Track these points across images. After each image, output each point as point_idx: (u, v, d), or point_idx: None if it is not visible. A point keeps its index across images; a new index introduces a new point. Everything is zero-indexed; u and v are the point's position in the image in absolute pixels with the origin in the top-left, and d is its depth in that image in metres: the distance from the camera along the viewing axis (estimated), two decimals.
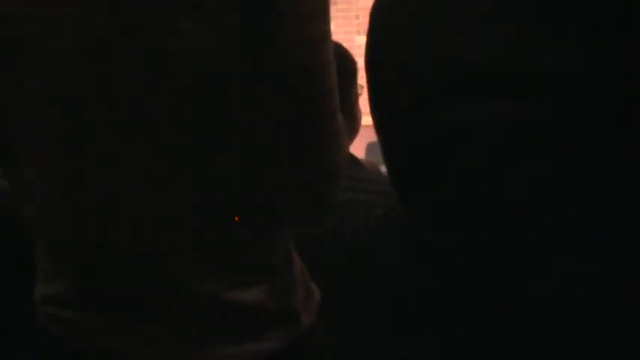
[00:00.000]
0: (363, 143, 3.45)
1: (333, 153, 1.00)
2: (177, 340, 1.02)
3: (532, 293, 0.81)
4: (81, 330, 1.04)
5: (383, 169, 1.67)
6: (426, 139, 0.88)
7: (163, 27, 0.90)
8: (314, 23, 0.95)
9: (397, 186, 1.02)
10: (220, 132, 0.96)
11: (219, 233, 1.00)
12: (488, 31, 0.81)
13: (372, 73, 1.00)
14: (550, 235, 0.80)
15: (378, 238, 1.51)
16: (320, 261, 1.51)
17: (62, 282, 1.05)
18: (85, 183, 0.98)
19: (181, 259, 1.00)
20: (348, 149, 1.68)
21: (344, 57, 1.67)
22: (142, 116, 0.94)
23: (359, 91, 1.76)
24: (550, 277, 0.81)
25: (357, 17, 5.40)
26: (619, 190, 0.76)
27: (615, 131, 0.75)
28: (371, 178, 1.65)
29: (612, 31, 0.74)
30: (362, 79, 1.19)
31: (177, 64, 0.91)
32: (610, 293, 0.78)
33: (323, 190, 1.03)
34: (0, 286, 1.30)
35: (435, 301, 0.96)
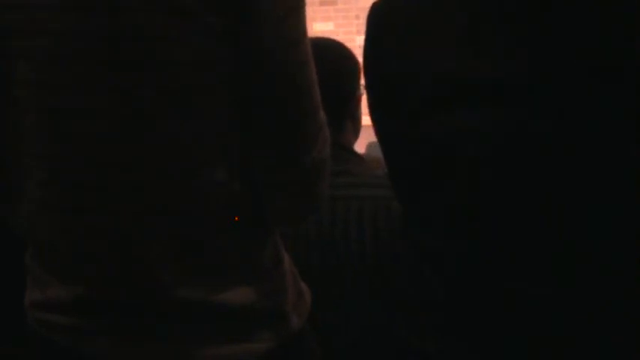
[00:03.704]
0: (363, 143, 3.45)
1: (317, 150, 1.00)
2: (170, 341, 1.02)
3: (532, 293, 0.81)
4: (73, 334, 1.04)
5: None
6: (425, 144, 0.88)
7: (151, 31, 0.90)
8: (291, 23, 0.95)
9: (397, 187, 1.02)
10: (208, 134, 0.96)
11: (209, 236, 1.00)
12: (488, 42, 0.81)
13: (370, 83, 1.01)
14: (550, 235, 0.80)
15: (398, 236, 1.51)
16: (340, 260, 1.52)
17: (54, 288, 1.05)
18: (82, 193, 0.98)
19: (172, 263, 1.00)
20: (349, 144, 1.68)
21: (347, 58, 1.66)
22: (130, 126, 0.94)
23: (361, 91, 1.76)
24: (550, 277, 0.81)
25: (357, 17, 5.40)
26: (619, 192, 0.76)
27: (614, 135, 0.75)
28: (382, 174, 1.65)
29: (608, 37, 0.74)
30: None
31: (165, 68, 0.92)
32: (610, 294, 0.78)
33: (309, 188, 1.03)
34: None
35: (433, 301, 0.96)
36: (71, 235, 1.02)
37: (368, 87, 1.01)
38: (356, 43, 4.84)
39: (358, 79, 1.69)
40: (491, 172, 0.82)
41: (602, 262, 0.78)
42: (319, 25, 5.28)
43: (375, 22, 0.97)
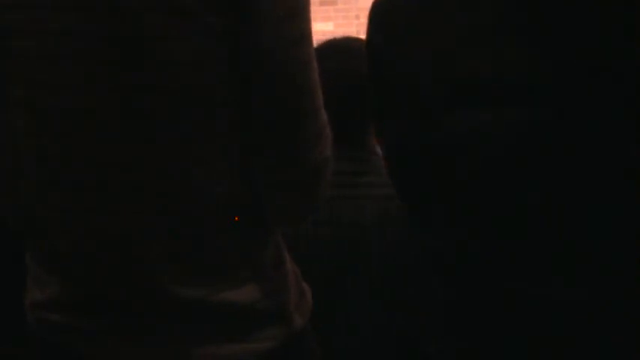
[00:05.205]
0: None
1: (318, 151, 1.00)
2: (170, 341, 1.02)
3: (532, 293, 0.81)
4: (73, 334, 1.04)
5: None
6: (425, 144, 0.88)
7: (151, 31, 0.90)
8: (293, 23, 0.95)
9: (398, 187, 1.02)
10: (208, 134, 0.96)
11: (209, 236, 1.00)
12: (488, 42, 0.81)
13: (374, 83, 1.01)
14: (550, 235, 0.80)
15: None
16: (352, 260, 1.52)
17: (54, 288, 1.05)
18: (82, 193, 0.98)
19: (173, 263, 1.00)
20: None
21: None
22: (130, 126, 0.94)
23: None
24: (549, 277, 0.81)
25: (357, 17, 5.40)
26: (619, 192, 0.76)
27: (614, 135, 0.75)
28: None
29: (608, 37, 0.74)
30: None
31: (165, 68, 0.92)
32: (610, 294, 0.78)
33: (309, 188, 1.03)
34: None
35: (433, 301, 0.96)
36: (71, 235, 1.02)
37: (375, 87, 1.01)
38: None
39: None
40: (491, 172, 0.82)
41: (602, 262, 0.78)
42: (319, 25, 5.27)
43: (376, 22, 0.97)
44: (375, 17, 0.97)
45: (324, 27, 5.27)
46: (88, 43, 0.93)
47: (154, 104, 0.94)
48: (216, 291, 1.02)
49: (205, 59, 0.93)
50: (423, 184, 0.92)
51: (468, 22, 0.83)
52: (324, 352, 1.17)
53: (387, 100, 0.97)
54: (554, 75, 0.77)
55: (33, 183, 1.01)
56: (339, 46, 1.65)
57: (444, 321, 0.93)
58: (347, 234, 1.53)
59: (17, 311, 1.13)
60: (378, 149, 1.61)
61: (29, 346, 1.12)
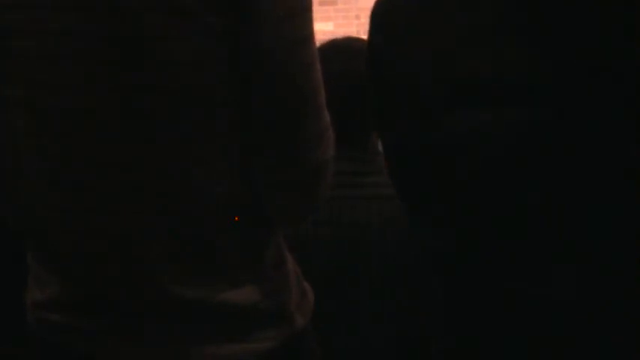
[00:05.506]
0: None
1: (319, 151, 1.00)
2: (170, 341, 1.02)
3: (532, 293, 0.81)
4: (73, 334, 1.04)
5: None
6: (425, 144, 0.88)
7: (151, 31, 0.90)
8: (293, 23, 0.95)
9: (397, 186, 1.02)
10: (208, 134, 0.96)
11: (209, 236, 1.00)
12: (488, 42, 0.81)
13: (371, 82, 1.00)
14: (550, 235, 0.80)
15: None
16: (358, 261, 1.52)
17: (55, 288, 1.05)
18: (82, 193, 0.98)
19: (173, 263, 1.00)
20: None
21: None
22: (130, 126, 0.94)
23: None
24: (549, 277, 0.81)
25: (357, 17, 5.39)
26: (619, 192, 0.76)
27: (614, 135, 0.75)
28: None
29: (608, 37, 0.74)
30: None
31: (165, 68, 0.92)
32: (610, 294, 0.78)
33: (309, 188, 1.03)
34: None
35: (433, 301, 0.96)
36: (71, 235, 1.02)
37: (375, 87, 1.01)
38: None
39: None
40: (491, 172, 0.82)
41: (602, 262, 0.78)
42: (319, 25, 5.26)
43: (376, 22, 0.97)
44: (376, 17, 0.97)
45: (324, 27, 5.27)
46: (88, 43, 0.93)
47: (154, 104, 0.94)
48: (217, 291, 1.02)
49: (205, 59, 0.93)
50: (423, 184, 0.92)
51: (468, 22, 0.82)
52: (324, 352, 1.17)
53: (387, 100, 0.96)
54: (554, 75, 0.76)
55: (33, 183, 1.01)
56: (340, 47, 1.65)
57: (444, 321, 0.93)
58: (347, 234, 1.53)
59: (17, 311, 1.13)
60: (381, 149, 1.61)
61: (29, 346, 1.12)
